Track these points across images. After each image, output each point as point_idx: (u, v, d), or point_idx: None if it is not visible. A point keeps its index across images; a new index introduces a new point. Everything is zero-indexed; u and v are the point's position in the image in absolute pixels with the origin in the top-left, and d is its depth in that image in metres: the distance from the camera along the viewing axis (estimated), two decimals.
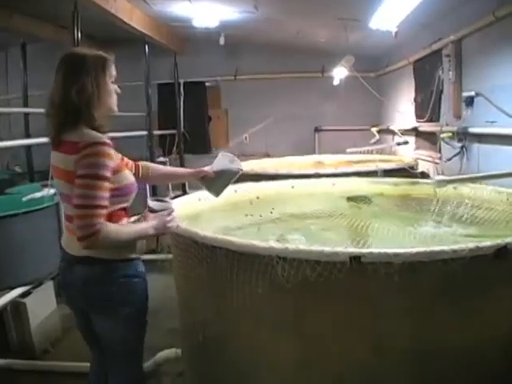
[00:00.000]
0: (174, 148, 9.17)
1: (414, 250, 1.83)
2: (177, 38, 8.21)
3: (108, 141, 1.96)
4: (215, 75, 9.04)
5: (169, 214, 2.14)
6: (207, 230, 2.30)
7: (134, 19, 6.08)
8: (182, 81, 8.88)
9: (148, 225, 2.07)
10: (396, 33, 3.80)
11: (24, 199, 4.31)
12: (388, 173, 4.80)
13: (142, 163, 2.47)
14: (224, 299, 2.17)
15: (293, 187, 4.21)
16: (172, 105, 8.86)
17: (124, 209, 2.11)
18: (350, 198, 3.58)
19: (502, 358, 2.09)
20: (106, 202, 1.88)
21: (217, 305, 2.24)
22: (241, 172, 2.65)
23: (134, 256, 2.14)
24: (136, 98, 7.24)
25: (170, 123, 8.88)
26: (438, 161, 5.72)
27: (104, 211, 1.86)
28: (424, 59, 6.05)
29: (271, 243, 1.94)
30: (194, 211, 3.30)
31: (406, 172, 5.09)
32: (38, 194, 4.30)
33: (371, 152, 6.94)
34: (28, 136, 6.54)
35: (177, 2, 5.68)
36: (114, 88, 2.11)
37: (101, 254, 2.00)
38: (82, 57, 2.01)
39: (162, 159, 8.77)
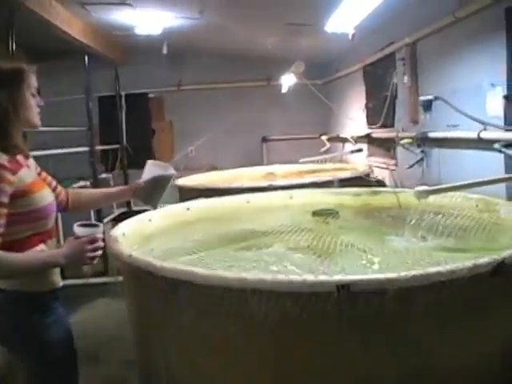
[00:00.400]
0: (118, 163, 8.81)
1: (410, 273, 1.58)
2: (118, 48, 7.83)
3: (5, 163, 1.78)
4: (158, 86, 8.67)
5: (92, 241, 1.86)
6: (163, 258, 2.01)
7: (74, 28, 5.72)
8: (123, 93, 8.53)
9: (58, 252, 1.86)
10: (353, 35, 3.60)
11: None
12: (344, 182, 4.60)
13: (71, 191, 2.30)
14: (190, 340, 1.86)
15: (248, 202, 3.95)
16: (114, 118, 8.50)
17: (40, 234, 1.91)
18: (315, 213, 3.33)
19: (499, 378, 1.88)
20: None
21: (181, 346, 1.93)
22: (173, 176, 2.55)
23: (43, 288, 1.94)
24: (77, 112, 6.91)
25: (112, 138, 8.49)
26: (393, 167, 5.58)
27: None
28: (376, 64, 5.91)
29: (244, 274, 1.65)
30: (145, 233, 2.98)
31: (362, 180, 4.91)
32: None
33: (325, 161, 6.76)
34: None
35: (118, 8, 5.35)
36: (35, 101, 1.94)
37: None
38: None
39: (104, 176, 8.41)
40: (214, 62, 8.22)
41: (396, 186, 4.92)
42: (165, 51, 6.57)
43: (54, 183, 2.17)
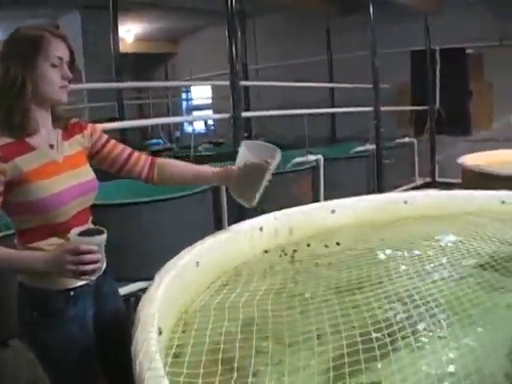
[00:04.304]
0: (426, 127, 7.96)
1: None
2: None
3: None
4: (476, 40, 7.38)
5: (74, 252, 1.47)
6: None
7: None
8: (437, 47, 7.60)
9: (42, 256, 1.57)
10: None
11: None
12: None
13: (159, 162, 1.96)
14: None
15: (503, 203, 2.82)
16: (426, 76, 7.73)
17: (53, 225, 1.67)
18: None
19: None
20: None
21: None
22: (275, 163, 1.81)
23: (49, 287, 1.66)
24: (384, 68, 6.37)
25: (423, 97, 7.80)
26: None
27: None
28: None
29: None
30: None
31: None
32: None
33: None
34: None
35: None
36: (57, 73, 1.65)
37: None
38: (13, 36, 1.64)
39: (407, 140, 7.67)
40: None
41: None
42: None
43: (125, 153, 1.89)
